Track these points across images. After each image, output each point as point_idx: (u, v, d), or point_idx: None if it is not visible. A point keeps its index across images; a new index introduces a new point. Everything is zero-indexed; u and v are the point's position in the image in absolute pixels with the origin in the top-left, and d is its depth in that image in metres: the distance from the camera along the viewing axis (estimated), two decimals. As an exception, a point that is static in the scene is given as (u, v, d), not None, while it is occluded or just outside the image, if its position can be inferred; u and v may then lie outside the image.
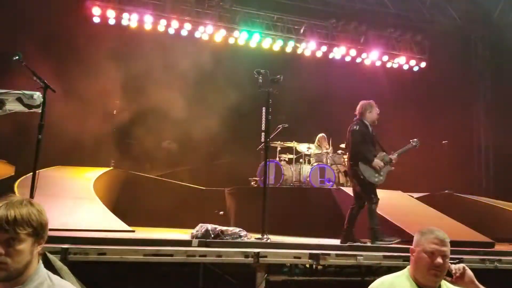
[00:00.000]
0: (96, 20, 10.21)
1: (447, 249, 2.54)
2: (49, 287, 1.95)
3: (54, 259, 2.27)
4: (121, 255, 3.88)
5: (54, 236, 3.94)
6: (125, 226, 5.87)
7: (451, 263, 2.61)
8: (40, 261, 2.01)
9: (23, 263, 1.88)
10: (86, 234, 4.73)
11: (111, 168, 8.90)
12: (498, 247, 6.12)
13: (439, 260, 2.49)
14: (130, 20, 10.43)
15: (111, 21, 10.34)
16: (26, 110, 4.70)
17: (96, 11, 10.16)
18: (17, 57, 4.40)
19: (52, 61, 7.67)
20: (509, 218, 8.22)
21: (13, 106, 4.68)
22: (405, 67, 12.58)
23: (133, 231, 5.82)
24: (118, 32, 10.24)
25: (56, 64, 7.87)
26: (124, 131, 9.88)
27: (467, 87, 13.04)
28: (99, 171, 8.11)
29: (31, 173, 5.60)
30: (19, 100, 4.57)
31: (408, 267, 2.65)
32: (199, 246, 4.59)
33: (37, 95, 4.58)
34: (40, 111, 4.53)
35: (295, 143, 9.34)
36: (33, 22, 8.63)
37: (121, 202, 8.06)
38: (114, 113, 9.85)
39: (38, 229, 1.92)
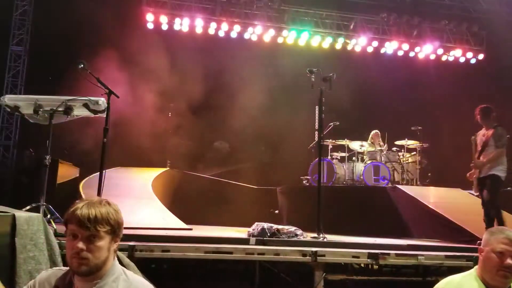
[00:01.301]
0: (150, 26, 10.56)
1: None
2: (125, 281, 2.07)
3: (122, 256, 2.39)
4: (184, 252, 4.02)
5: (121, 234, 4.12)
6: (182, 224, 6.05)
7: None
8: (116, 258, 2.14)
9: (102, 259, 2.00)
10: (150, 232, 4.92)
11: (167, 168, 9.17)
12: None
13: (509, 261, 2.42)
14: (182, 24, 10.71)
15: (164, 27, 10.66)
16: (91, 115, 4.95)
17: (149, 17, 10.51)
18: (82, 65, 4.63)
19: (111, 67, 8.00)
20: None
21: (80, 111, 4.95)
22: (462, 59, 12.09)
23: (191, 229, 5.99)
24: (171, 37, 10.53)
25: (115, 70, 8.20)
26: (179, 133, 10.14)
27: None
28: (156, 171, 8.40)
29: (94, 174, 5.90)
30: (86, 106, 4.82)
31: (476, 267, 2.58)
32: (256, 244, 4.65)
33: (102, 101, 4.82)
34: (105, 116, 4.75)
35: (347, 141, 9.24)
36: (93, 31, 9.04)
37: (177, 201, 8.29)
38: (169, 115, 10.13)
39: (115, 227, 2.05)
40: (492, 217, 5.54)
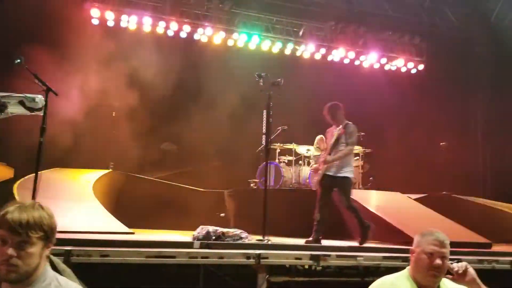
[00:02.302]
0: (95, 22, 10.22)
1: (447, 250, 2.58)
2: (57, 287, 1.98)
3: (58, 261, 2.29)
4: (124, 257, 3.91)
5: (57, 238, 3.95)
6: (124, 228, 5.89)
7: (451, 263, 2.65)
8: (48, 263, 2.05)
9: (33, 266, 1.91)
10: (88, 236, 4.75)
11: (110, 170, 8.90)
12: (496, 248, 6.17)
13: (438, 261, 2.54)
14: (129, 22, 10.45)
15: (110, 23, 10.36)
16: (28, 113, 4.72)
17: (94, 13, 10.18)
18: (19, 61, 4.42)
19: (51, 63, 7.67)
20: (505, 219, 8.28)
21: (15, 109, 4.71)
22: (403, 69, 12.64)
23: (133, 233, 5.84)
24: (117, 34, 10.25)
25: (56, 67, 7.88)
26: (123, 133, 9.88)
27: (465, 88, 13.10)
28: (98, 173, 8.13)
29: (30, 175, 5.62)
30: (21, 103, 4.60)
31: (408, 267, 2.69)
32: (200, 247, 4.61)
33: (39, 98, 4.61)
34: (42, 114, 4.54)
35: (295, 145, 9.38)
36: (33, 25, 8.63)
37: (120, 204, 8.07)
38: (113, 115, 9.85)
39: (48, 233, 1.95)
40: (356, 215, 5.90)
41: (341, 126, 6.03)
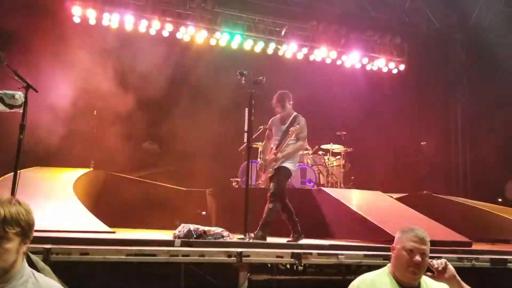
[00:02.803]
0: (77, 20, 10.10)
1: (426, 247, 2.61)
2: (34, 284, 1.97)
3: (37, 259, 2.26)
4: (104, 255, 3.87)
5: (36, 236, 3.88)
6: (105, 227, 5.82)
7: (431, 260, 2.69)
8: (25, 260, 2.02)
9: (10, 262, 1.89)
10: (68, 235, 4.69)
11: (91, 169, 8.80)
12: (475, 246, 6.28)
13: (418, 258, 2.56)
14: (111, 20, 10.35)
15: (92, 21, 10.24)
16: (7, 110, 4.64)
17: (76, 10, 10.05)
18: (-3, 56, 4.34)
19: (33, 60, 7.56)
20: (485, 218, 8.43)
21: (-6, 106, 4.62)
22: (384, 69, 12.78)
23: (114, 232, 5.78)
24: (99, 32, 10.15)
25: (37, 64, 7.76)
26: (105, 132, 9.78)
27: (444, 89, 13.34)
28: (79, 171, 8.02)
29: (9, 174, 5.52)
30: (1, 100, 4.52)
31: (389, 264, 2.72)
32: (181, 246, 4.59)
33: (19, 95, 4.53)
34: (21, 111, 4.47)
35: (277, 144, 9.39)
36: (14, 22, 8.49)
37: (101, 203, 7.98)
38: (95, 113, 9.74)
39: (25, 229, 1.93)
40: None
41: (296, 123, 5.83)
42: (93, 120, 9.74)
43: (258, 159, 9.34)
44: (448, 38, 13.51)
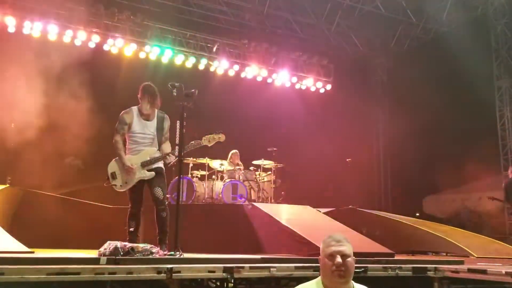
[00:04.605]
0: (-7, 27, 9.49)
1: (345, 248, 2.64)
2: None
3: None
4: (22, 275, 3.55)
5: None
6: (23, 247, 5.39)
7: (356, 272, 2.73)
8: None
9: None
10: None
11: (7, 185, 8.17)
12: (398, 257, 6.57)
13: (338, 259, 2.59)
14: (33, 29, 9.82)
15: (11, 29, 9.65)
16: None
17: (-8, 17, 9.45)
18: None
19: None
20: (405, 232, 8.91)
21: None
22: (312, 88, 13.25)
23: (32, 252, 5.37)
24: (19, 41, 9.58)
25: None
26: (23, 147, 9.16)
27: (368, 108, 14.05)
28: (-7, 188, 7.42)
29: None
30: None
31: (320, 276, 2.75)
32: (107, 263, 4.35)
33: None
34: None
35: (208, 159, 9.32)
36: None
37: (18, 222, 7.41)
38: (12, 126, 9.10)
39: None
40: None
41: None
42: (10, 133, 9.08)
43: (189, 175, 9.21)
44: (370, 61, 14.34)
